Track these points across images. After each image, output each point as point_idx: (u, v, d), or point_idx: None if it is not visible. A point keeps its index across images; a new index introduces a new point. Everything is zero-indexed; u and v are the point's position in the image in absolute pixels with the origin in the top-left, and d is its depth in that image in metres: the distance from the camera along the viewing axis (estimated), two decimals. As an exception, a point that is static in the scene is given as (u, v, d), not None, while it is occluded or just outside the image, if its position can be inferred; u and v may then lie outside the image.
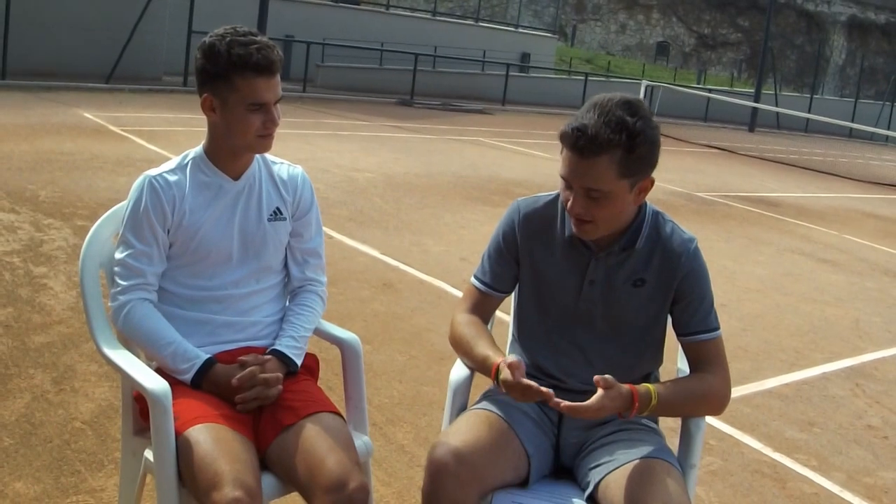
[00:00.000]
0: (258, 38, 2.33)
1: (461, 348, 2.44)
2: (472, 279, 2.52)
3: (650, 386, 2.21)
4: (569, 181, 2.18)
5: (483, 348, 2.35)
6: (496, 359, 2.27)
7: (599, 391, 2.11)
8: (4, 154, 9.34)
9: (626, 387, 2.16)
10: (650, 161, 2.19)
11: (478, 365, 2.36)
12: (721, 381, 2.33)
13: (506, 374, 2.17)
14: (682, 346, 2.41)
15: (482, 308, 2.50)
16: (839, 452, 4.29)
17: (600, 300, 2.35)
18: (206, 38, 2.37)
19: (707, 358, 2.34)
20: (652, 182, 2.23)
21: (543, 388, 2.12)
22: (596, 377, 2.11)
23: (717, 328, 2.36)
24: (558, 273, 2.38)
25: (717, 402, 2.35)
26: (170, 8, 20.16)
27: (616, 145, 2.09)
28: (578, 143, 2.11)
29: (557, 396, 2.35)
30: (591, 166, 2.12)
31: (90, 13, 18.94)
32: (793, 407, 4.82)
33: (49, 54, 18.17)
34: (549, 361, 2.40)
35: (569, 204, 2.21)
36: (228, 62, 2.30)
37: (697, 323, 2.33)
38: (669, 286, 2.32)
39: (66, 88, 16.73)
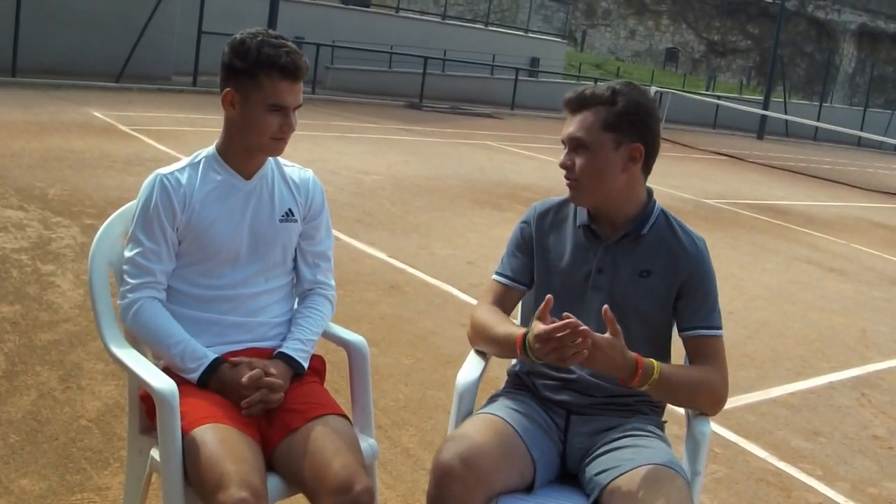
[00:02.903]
0: (288, 43, 2.39)
1: (482, 334, 2.46)
2: (493, 275, 2.58)
3: (654, 361, 2.23)
4: (562, 139, 2.38)
5: (506, 327, 2.37)
6: (520, 332, 2.28)
7: (606, 335, 2.13)
8: (14, 152, 9.37)
9: (632, 353, 2.18)
10: (637, 124, 2.32)
11: (500, 344, 2.37)
12: (721, 379, 2.36)
13: (538, 328, 2.13)
14: (683, 342, 2.42)
15: (503, 302, 2.53)
16: (844, 462, 4.28)
17: (607, 289, 2.40)
18: (237, 35, 2.40)
19: (707, 354, 2.36)
20: (641, 152, 2.34)
21: (569, 323, 2.09)
22: (605, 307, 2.16)
23: (720, 328, 2.39)
24: (569, 263, 2.45)
25: (715, 399, 2.36)
26: (180, 8, 20.20)
27: (600, 101, 2.32)
28: (570, 98, 2.36)
29: (567, 388, 2.42)
30: (577, 118, 2.34)
31: (101, 12, 18.97)
32: (798, 416, 4.81)
33: (59, 53, 18.20)
34: None
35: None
36: (257, 60, 2.33)
37: (700, 318, 2.37)
38: (675, 281, 2.37)
39: (75, 87, 16.76)
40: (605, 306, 2.17)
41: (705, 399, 2.36)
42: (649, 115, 2.34)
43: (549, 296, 2.19)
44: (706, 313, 2.37)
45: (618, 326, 2.16)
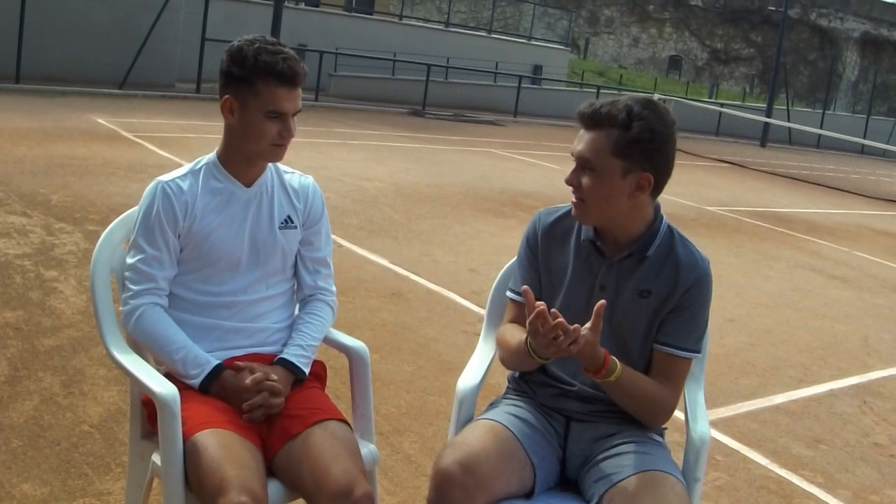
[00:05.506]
0: (286, 49, 2.39)
1: (505, 351, 2.45)
2: (507, 293, 2.56)
3: (618, 365, 2.23)
4: (572, 153, 2.31)
5: (518, 337, 2.34)
6: (524, 337, 2.27)
7: (589, 327, 2.14)
8: (17, 158, 9.40)
9: (602, 350, 2.19)
10: (649, 153, 2.24)
11: (519, 354, 2.33)
12: (673, 402, 2.36)
13: (532, 325, 2.12)
14: (652, 352, 2.38)
15: (520, 318, 2.47)
16: (846, 470, 4.28)
17: (607, 306, 2.35)
18: (235, 42, 2.41)
19: (668, 373, 2.35)
20: (649, 182, 2.26)
21: (558, 323, 2.09)
22: (600, 302, 2.14)
23: (695, 351, 2.37)
24: (572, 278, 2.41)
25: (660, 415, 2.37)
26: (183, 15, 20.27)
27: (614, 123, 2.22)
28: (584, 113, 2.28)
29: (565, 398, 2.42)
30: (589, 137, 2.26)
31: (104, 19, 19.05)
32: (800, 423, 4.81)
33: (63, 60, 18.27)
34: (557, 366, 2.42)
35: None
36: (254, 67, 2.34)
37: (677, 337, 2.34)
38: (671, 298, 2.33)
39: (79, 94, 16.81)
40: (601, 301, 2.15)
41: (649, 414, 2.37)
42: (665, 142, 2.25)
43: (539, 303, 2.16)
44: (685, 334, 2.34)
45: (600, 323, 2.14)
